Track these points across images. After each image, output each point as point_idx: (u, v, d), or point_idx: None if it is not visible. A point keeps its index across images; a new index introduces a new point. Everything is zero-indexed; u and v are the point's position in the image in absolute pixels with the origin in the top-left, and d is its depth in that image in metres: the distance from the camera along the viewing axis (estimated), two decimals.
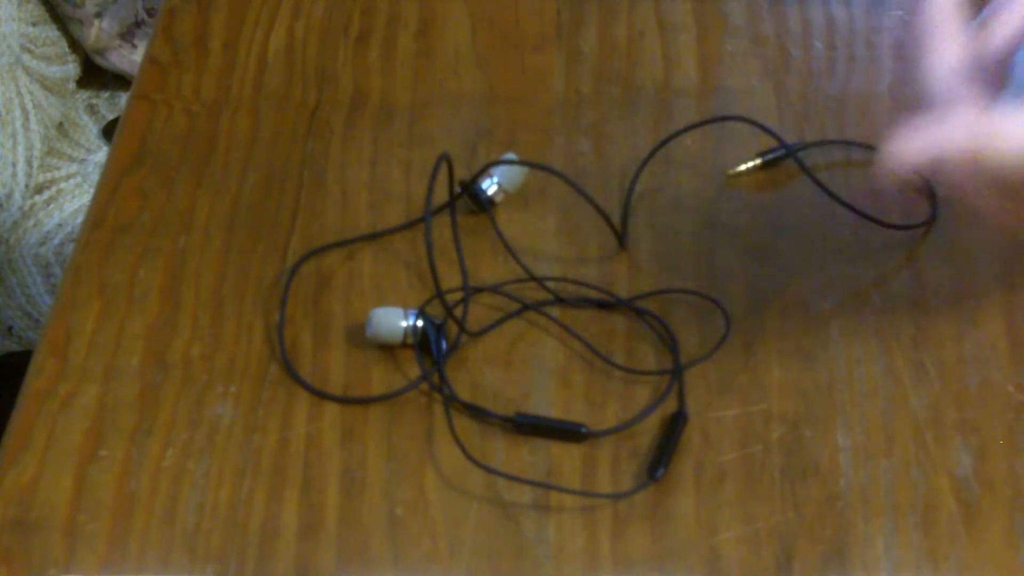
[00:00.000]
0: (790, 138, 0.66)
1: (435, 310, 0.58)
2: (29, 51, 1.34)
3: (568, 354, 0.58)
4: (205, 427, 0.55)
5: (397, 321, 0.57)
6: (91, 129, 1.42)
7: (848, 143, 0.66)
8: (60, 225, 1.30)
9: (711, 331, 0.59)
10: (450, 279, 0.59)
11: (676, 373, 0.57)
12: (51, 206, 1.32)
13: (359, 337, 0.58)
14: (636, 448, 0.54)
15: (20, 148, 1.30)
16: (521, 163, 0.63)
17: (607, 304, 0.60)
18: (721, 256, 0.62)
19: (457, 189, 0.61)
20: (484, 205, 0.63)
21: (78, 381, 0.57)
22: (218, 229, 0.63)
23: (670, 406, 0.56)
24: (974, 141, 0.45)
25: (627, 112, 0.69)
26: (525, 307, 0.60)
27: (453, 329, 0.58)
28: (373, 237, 0.63)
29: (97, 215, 0.64)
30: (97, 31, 1.40)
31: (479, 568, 0.51)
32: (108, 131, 1.40)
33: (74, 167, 1.36)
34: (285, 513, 0.52)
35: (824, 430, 0.55)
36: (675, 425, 0.55)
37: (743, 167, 0.66)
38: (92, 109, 1.44)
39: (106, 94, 1.46)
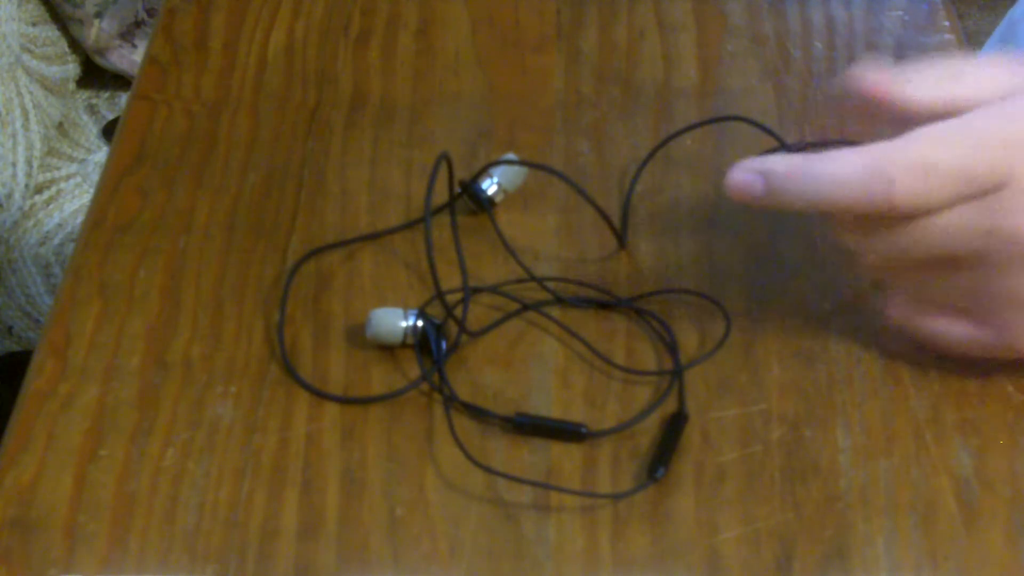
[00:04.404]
0: (790, 138, 0.66)
1: (435, 310, 0.58)
2: (29, 51, 1.34)
3: (568, 354, 0.58)
4: (205, 427, 0.55)
5: (397, 321, 0.57)
6: (91, 129, 1.42)
7: (848, 143, 0.66)
8: (60, 225, 1.30)
9: (711, 331, 0.59)
10: (450, 279, 0.59)
11: (676, 373, 0.57)
12: (51, 206, 1.32)
13: (359, 337, 0.58)
14: (636, 448, 0.54)
15: (20, 148, 1.30)
16: (521, 163, 0.63)
17: (607, 304, 0.60)
18: (721, 256, 0.62)
19: (457, 189, 0.61)
20: (484, 205, 0.63)
21: (78, 381, 0.57)
22: (218, 229, 0.63)
23: (670, 406, 0.56)
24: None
25: (627, 112, 0.69)
26: (525, 307, 0.60)
27: (453, 329, 0.58)
28: (373, 237, 0.63)
29: (97, 215, 0.64)
30: (97, 31, 1.40)
31: (479, 568, 0.51)
32: (108, 131, 1.40)
33: (74, 167, 1.36)
34: (285, 513, 0.52)
35: (824, 430, 0.55)
36: (675, 425, 0.55)
37: None
38: (92, 109, 1.44)
39: (106, 94, 1.46)
